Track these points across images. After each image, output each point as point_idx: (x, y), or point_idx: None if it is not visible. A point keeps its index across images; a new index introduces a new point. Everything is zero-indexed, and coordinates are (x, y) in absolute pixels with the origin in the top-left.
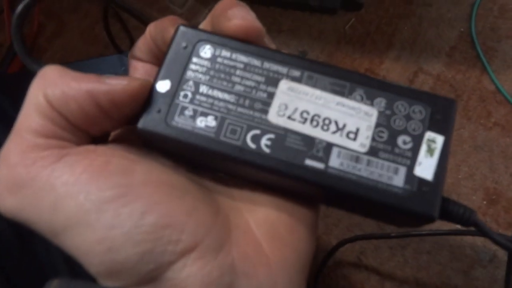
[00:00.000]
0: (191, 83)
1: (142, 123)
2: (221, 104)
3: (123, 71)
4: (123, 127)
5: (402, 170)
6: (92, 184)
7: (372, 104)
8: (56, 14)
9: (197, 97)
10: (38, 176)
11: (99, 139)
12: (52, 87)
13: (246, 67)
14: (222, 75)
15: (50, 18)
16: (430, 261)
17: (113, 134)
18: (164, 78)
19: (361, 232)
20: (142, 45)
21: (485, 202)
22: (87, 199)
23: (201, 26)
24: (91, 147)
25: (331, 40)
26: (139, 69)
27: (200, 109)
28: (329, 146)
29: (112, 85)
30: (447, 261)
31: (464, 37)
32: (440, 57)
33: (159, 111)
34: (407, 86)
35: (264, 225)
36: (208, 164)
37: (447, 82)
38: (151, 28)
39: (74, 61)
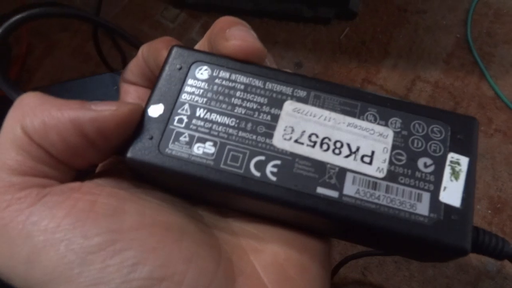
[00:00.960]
0: (186, 106)
1: (132, 152)
2: (221, 128)
3: (116, 90)
4: (111, 158)
5: (426, 197)
6: (76, 230)
7: (386, 125)
8: (45, 34)
9: (194, 121)
10: (13, 222)
11: (84, 173)
12: (31, 117)
13: (247, 88)
14: (221, 97)
15: (39, 38)
16: (436, 274)
17: (100, 165)
18: (156, 102)
19: (365, 248)
20: (134, 67)
21: (489, 211)
22: (70, 248)
23: (198, 46)
24: (76, 185)
25: (326, 50)
26: (131, 93)
27: (197, 134)
28: (342, 172)
29: (99, 111)
30: (454, 273)
31: (460, 43)
32: (437, 64)
33: (151, 138)
34: (423, 104)
35: (272, 268)
36: (207, 196)
37: (446, 89)
38: (143, 50)
39: (66, 81)
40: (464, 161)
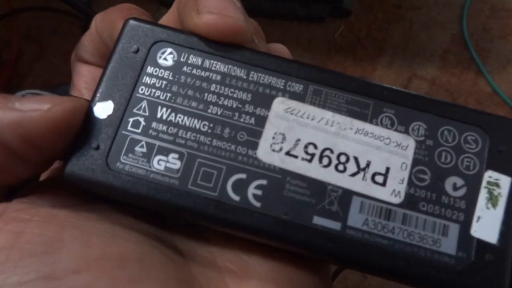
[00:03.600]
0: (144, 104)
1: (71, 167)
2: (189, 135)
3: None
4: (59, 162)
5: (454, 229)
6: None
7: (407, 131)
8: (36, 37)
9: (154, 125)
10: None
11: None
12: None
13: (225, 79)
14: (190, 92)
15: (30, 42)
16: None
17: (44, 174)
18: (104, 98)
19: None
20: (87, 42)
21: None
22: None
23: (164, 18)
24: None
25: (321, 49)
26: (85, 75)
27: (158, 143)
28: (347, 196)
29: (24, 112)
30: None
31: (456, 39)
32: (433, 61)
33: (97, 148)
34: (455, 103)
35: None
36: (175, 219)
37: (443, 86)
38: (97, 21)
39: (57, 85)
40: (505, 182)
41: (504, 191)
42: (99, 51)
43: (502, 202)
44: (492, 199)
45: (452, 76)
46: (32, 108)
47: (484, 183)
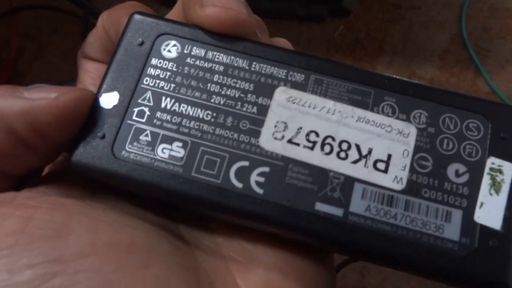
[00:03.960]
0: (149, 94)
1: (77, 155)
2: (193, 124)
3: None
4: (63, 155)
5: (457, 215)
6: (1, 261)
7: (408, 119)
8: (35, 36)
9: (158, 114)
10: None
11: (29, 176)
12: None
13: (228, 70)
14: (194, 83)
15: (29, 41)
16: None
17: (50, 165)
18: (110, 89)
19: None
20: (93, 39)
21: None
22: None
23: (169, 15)
24: (8, 196)
25: (320, 48)
26: (91, 72)
27: (162, 132)
28: (349, 182)
29: (32, 100)
30: None
31: (455, 39)
32: (433, 60)
33: (103, 137)
34: (455, 92)
35: None
36: (178, 207)
37: (442, 85)
38: (103, 18)
39: (56, 84)
40: (508, 168)
41: (507, 178)
42: (105, 48)
43: (505, 188)
44: (495, 185)
45: (451, 75)
46: (40, 97)
47: (486, 170)
